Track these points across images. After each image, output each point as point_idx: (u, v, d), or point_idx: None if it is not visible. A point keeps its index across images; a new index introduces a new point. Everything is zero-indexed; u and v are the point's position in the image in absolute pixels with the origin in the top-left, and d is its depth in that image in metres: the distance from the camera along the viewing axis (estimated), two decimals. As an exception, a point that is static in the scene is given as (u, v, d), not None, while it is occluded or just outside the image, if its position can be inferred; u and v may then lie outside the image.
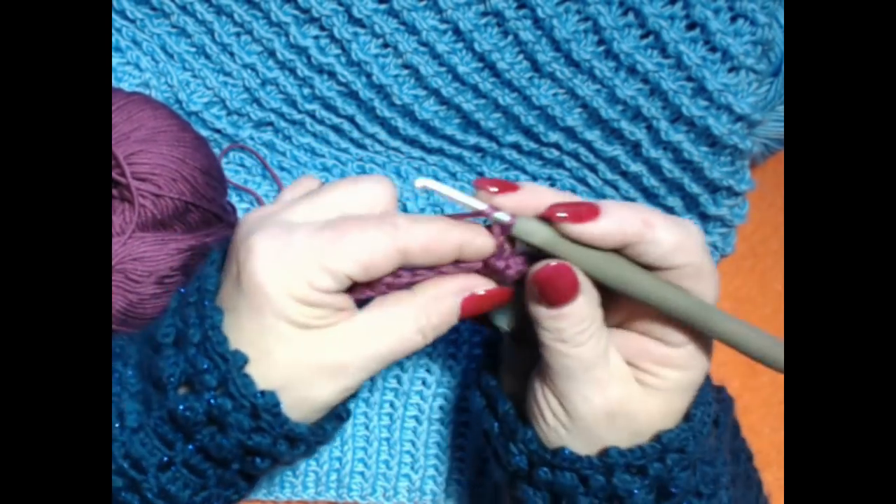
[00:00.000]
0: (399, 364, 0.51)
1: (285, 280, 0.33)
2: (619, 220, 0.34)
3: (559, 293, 0.34)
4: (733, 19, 0.45)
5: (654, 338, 0.37)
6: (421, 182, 0.35)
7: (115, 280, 0.44)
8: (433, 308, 0.35)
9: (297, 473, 0.51)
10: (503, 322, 0.38)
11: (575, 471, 0.36)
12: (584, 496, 0.36)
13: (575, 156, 0.51)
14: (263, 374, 0.34)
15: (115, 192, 0.47)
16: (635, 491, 0.36)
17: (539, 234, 0.35)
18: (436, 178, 0.54)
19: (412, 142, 0.53)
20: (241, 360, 0.33)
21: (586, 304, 0.35)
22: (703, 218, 0.51)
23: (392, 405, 0.51)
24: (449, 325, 0.36)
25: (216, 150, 0.54)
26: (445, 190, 0.35)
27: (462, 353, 0.51)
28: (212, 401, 0.33)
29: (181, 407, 0.33)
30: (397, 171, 0.54)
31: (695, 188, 0.49)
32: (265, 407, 0.33)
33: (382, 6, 0.47)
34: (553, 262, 0.34)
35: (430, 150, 0.53)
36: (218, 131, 0.53)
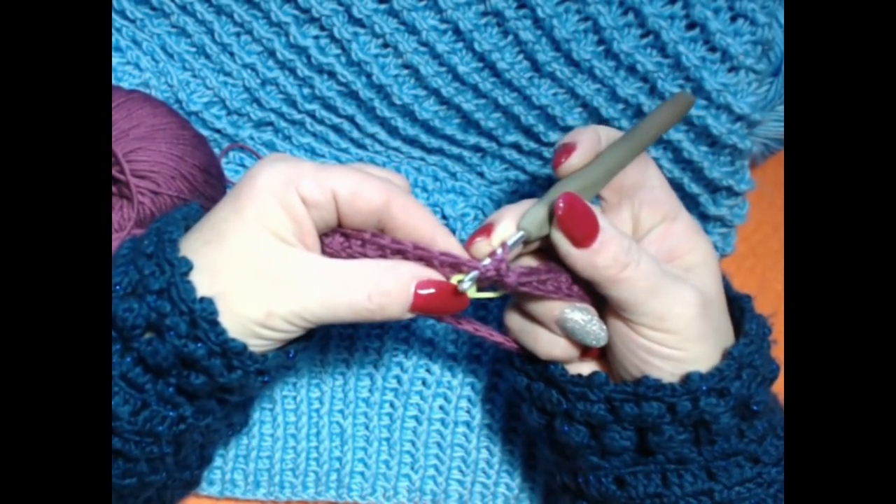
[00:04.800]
0: (399, 364, 0.51)
1: (276, 181, 0.35)
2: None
3: (584, 221, 0.36)
4: (733, 19, 0.45)
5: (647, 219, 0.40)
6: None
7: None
8: (386, 275, 0.36)
9: (298, 473, 0.51)
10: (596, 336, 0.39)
11: (659, 399, 0.37)
12: (670, 425, 0.37)
13: (575, 156, 0.51)
14: (209, 259, 0.35)
15: (113, 189, 0.47)
16: (721, 413, 0.36)
17: (537, 212, 0.37)
18: (435, 178, 0.54)
19: (412, 142, 0.53)
20: (186, 266, 0.35)
21: (612, 227, 0.37)
22: (703, 218, 0.50)
23: (392, 405, 0.51)
24: (397, 300, 0.36)
25: (216, 150, 0.54)
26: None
27: (462, 353, 0.51)
28: (151, 303, 0.34)
29: (121, 309, 0.34)
30: (397, 171, 0.53)
31: (695, 188, 0.49)
32: (202, 314, 0.34)
33: (382, 6, 0.47)
34: (559, 202, 0.36)
35: (430, 150, 0.53)
36: (218, 131, 0.53)
